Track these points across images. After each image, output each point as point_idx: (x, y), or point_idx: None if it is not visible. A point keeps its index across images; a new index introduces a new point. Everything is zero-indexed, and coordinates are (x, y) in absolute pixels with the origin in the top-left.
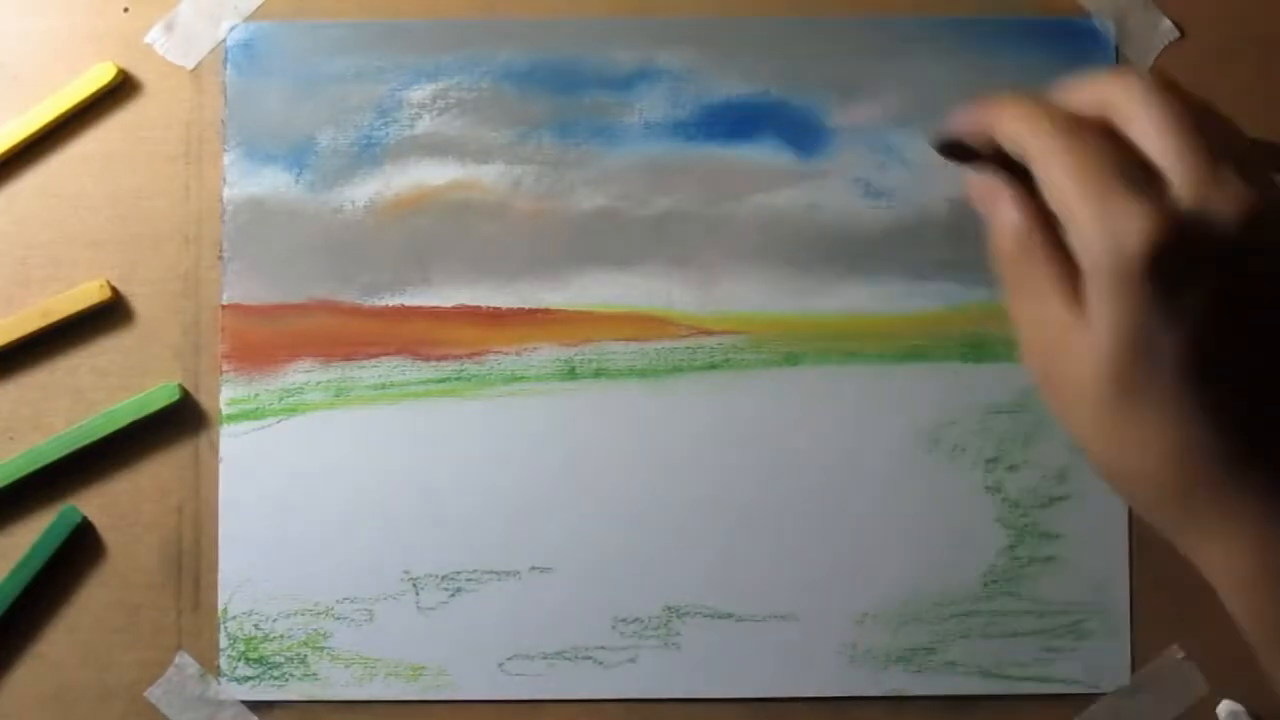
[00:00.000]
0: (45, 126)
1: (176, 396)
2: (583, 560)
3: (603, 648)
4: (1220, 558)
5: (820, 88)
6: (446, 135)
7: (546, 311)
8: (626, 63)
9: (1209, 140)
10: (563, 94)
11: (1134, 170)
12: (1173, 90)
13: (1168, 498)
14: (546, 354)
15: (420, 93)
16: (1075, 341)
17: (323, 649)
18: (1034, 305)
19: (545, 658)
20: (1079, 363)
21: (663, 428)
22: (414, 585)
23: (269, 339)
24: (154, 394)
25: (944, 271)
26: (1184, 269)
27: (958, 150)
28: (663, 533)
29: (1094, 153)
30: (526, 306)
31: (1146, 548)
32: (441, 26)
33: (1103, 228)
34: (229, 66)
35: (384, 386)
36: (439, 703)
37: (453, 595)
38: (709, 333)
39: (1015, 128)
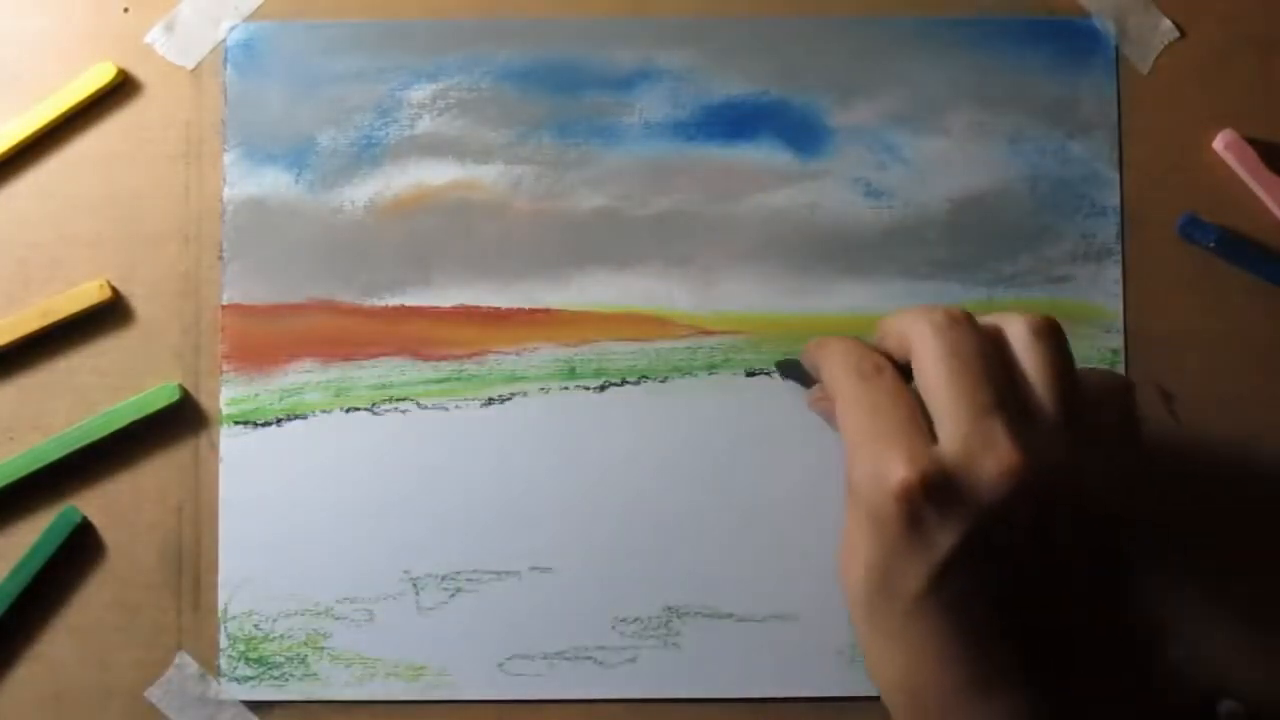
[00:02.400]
0: (45, 126)
1: (176, 396)
2: (583, 560)
3: (603, 648)
4: None
5: (820, 88)
6: (446, 135)
7: (546, 311)
8: (626, 63)
9: (987, 392)
10: (563, 94)
11: (908, 418)
12: (960, 332)
13: (904, 715)
14: (546, 354)
15: (420, 93)
16: (853, 557)
17: (323, 649)
18: (849, 514)
19: (545, 658)
20: (852, 576)
21: (663, 428)
22: (414, 585)
23: (269, 339)
24: (154, 394)
25: (944, 271)
26: (931, 515)
27: (792, 373)
28: (663, 533)
29: (877, 397)
30: (526, 306)
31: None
32: (441, 26)
33: (867, 467)
34: (229, 66)
35: (384, 386)
36: (439, 703)
37: (453, 595)
38: (709, 333)
39: (827, 367)
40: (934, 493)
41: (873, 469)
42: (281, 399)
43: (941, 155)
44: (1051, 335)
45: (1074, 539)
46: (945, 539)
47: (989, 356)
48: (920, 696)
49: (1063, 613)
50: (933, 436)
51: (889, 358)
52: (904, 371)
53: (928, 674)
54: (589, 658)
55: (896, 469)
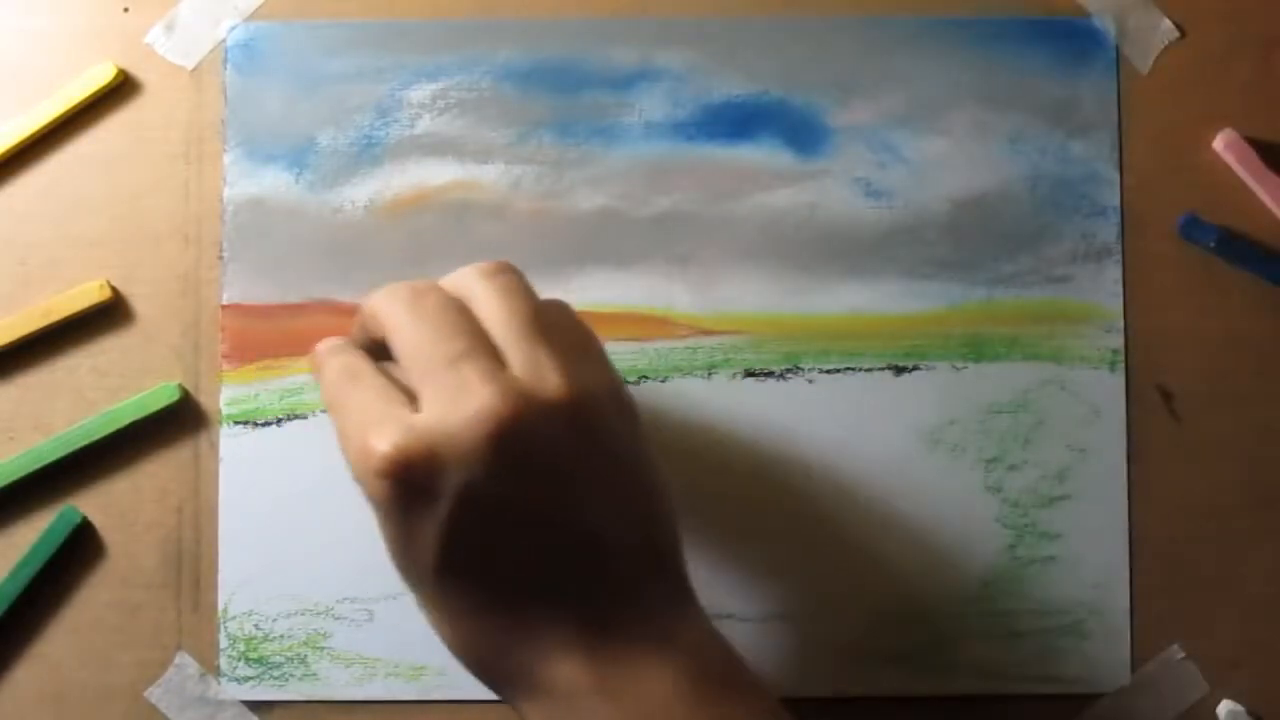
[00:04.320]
0: (45, 126)
1: (176, 396)
2: None
3: None
4: None
5: (820, 88)
6: (446, 135)
7: None
8: (626, 63)
9: (455, 343)
10: (563, 94)
11: (383, 399)
12: (422, 299)
13: (482, 674)
14: None
15: (420, 93)
16: (386, 549)
17: (323, 649)
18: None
19: None
20: (394, 565)
21: (662, 428)
22: None
23: (269, 339)
24: (154, 394)
25: (944, 271)
26: (421, 481)
27: None
28: None
29: (356, 395)
30: None
31: (1146, 548)
32: (441, 26)
33: (355, 460)
34: (229, 66)
35: None
36: (439, 703)
37: None
38: (709, 333)
39: (319, 382)
40: (416, 458)
41: (358, 459)
42: (281, 399)
43: (941, 155)
44: (502, 273)
45: (579, 454)
46: (444, 500)
47: (454, 313)
48: (479, 651)
49: (586, 533)
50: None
51: (376, 343)
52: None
53: (475, 628)
54: None
55: (374, 450)
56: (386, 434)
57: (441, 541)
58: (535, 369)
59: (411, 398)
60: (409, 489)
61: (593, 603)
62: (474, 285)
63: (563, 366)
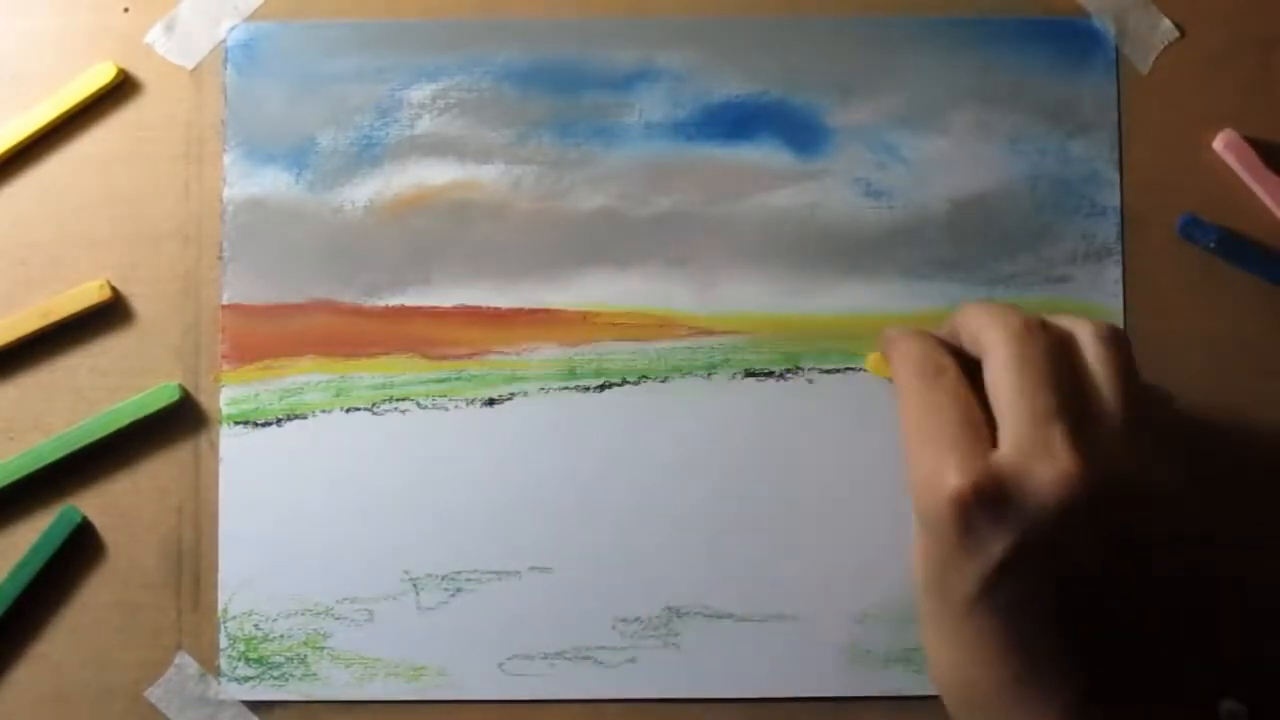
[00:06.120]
0: (45, 126)
1: (176, 396)
2: (583, 560)
3: (603, 648)
4: None
5: (820, 88)
6: (446, 135)
7: (546, 311)
8: (626, 63)
9: (1050, 399)
10: (563, 94)
11: (967, 422)
12: (1033, 338)
13: (957, 710)
14: (546, 354)
15: (420, 93)
16: (915, 555)
17: (323, 649)
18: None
19: (545, 658)
20: (915, 572)
21: (663, 428)
22: (414, 585)
23: (269, 339)
24: (154, 394)
25: (944, 271)
26: (983, 522)
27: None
28: (663, 533)
29: (937, 400)
30: (526, 306)
31: None
32: (441, 26)
33: (922, 472)
34: (229, 66)
35: (384, 386)
36: (439, 703)
37: (453, 595)
38: (709, 333)
39: (894, 364)
40: (986, 500)
41: (927, 474)
42: (281, 399)
43: (941, 155)
44: (1118, 342)
45: (1140, 547)
46: (998, 545)
47: (1058, 363)
48: (971, 691)
49: (1108, 623)
50: (994, 440)
51: (959, 351)
52: (972, 365)
53: (979, 670)
54: (589, 658)
55: (950, 476)
56: (967, 468)
57: (986, 581)
58: (1125, 454)
59: (990, 422)
60: (971, 524)
61: (1088, 691)
62: (1086, 342)
63: (1152, 463)
